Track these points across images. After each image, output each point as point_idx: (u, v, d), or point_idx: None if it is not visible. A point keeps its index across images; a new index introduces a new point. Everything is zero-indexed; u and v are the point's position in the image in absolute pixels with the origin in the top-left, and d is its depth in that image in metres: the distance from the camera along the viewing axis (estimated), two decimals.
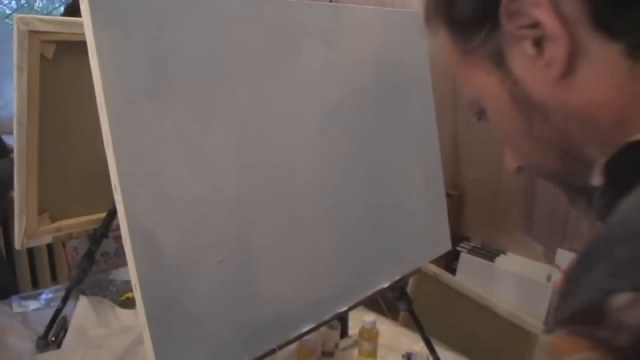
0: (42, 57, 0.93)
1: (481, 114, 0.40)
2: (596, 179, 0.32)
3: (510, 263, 1.81)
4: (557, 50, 0.32)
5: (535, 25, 0.32)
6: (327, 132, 0.81)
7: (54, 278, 1.91)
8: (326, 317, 0.81)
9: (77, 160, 1.03)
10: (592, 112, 0.32)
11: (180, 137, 0.64)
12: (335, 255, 0.83)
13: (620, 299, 0.22)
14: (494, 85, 0.36)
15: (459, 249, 1.89)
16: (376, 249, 0.89)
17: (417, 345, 1.13)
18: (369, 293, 0.87)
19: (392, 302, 1.08)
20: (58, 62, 0.96)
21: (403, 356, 1.10)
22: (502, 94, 0.36)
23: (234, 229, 0.69)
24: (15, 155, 0.94)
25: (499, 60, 0.35)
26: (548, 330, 0.25)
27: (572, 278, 0.27)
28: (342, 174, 0.83)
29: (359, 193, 0.86)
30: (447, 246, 1.05)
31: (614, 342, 0.22)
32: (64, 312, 1.09)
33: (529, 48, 0.33)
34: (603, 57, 0.31)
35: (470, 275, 1.79)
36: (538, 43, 0.33)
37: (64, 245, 1.55)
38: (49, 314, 1.09)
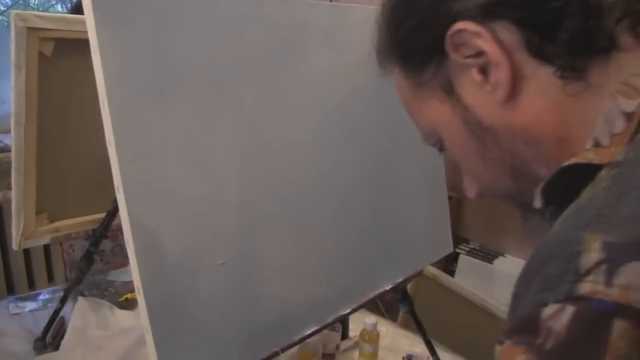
0: (41, 55, 0.92)
1: (440, 143, 0.43)
2: (537, 202, 0.36)
3: (509, 265, 1.81)
4: (500, 75, 0.35)
5: (478, 54, 0.36)
6: (330, 133, 0.80)
7: (51, 278, 1.89)
8: (329, 320, 0.80)
9: (76, 160, 1.02)
10: (535, 130, 0.36)
11: (183, 137, 0.63)
12: (339, 257, 0.82)
13: (549, 310, 0.26)
14: (447, 113, 0.39)
15: (458, 250, 1.90)
16: (379, 251, 0.88)
17: (417, 347, 1.13)
18: (371, 295, 0.86)
19: (391, 303, 1.07)
20: (57, 61, 0.95)
21: (403, 358, 1.10)
22: (455, 121, 0.39)
23: (237, 231, 0.68)
24: (13, 155, 0.93)
25: (450, 90, 0.39)
26: (499, 341, 0.28)
27: (516, 294, 0.30)
28: (346, 176, 0.83)
29: (362, 195, 0.85)
30: (449, 248, 1.04)
31: (544, 346, 0.26)
32: (62, 313, 1.08)
33: (475, 75, 0.37)
34: (540, 79, 0.35)
35: (469, 276, 1.79)
36: (483, 70, 0.36)
37: (60, 243, 1.54)
38: (46, 315, 1.08)
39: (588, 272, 0.26)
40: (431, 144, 0.44)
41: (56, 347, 1.04)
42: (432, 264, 1.46)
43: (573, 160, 0.33)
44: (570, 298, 0.26)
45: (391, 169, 0.91)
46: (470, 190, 0.45)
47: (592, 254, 0.26)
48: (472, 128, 0.38)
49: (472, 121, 0.38)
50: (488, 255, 1.87)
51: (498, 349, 0.28)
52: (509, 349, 0.27)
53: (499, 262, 1.84)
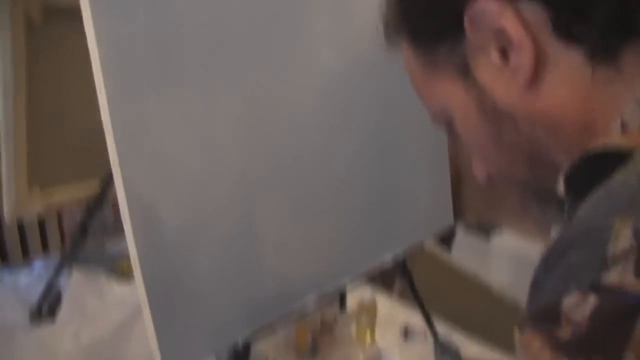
0: (30, 22, 0.89)
1: (449, 125, 0.40)
2: (560, 189, 0.34)
3: (506, 240, 1.82)
4: (523, 58, 0.32)
5: (499, 34, 0.33)
6: (332, 107, 0.78)
7: (45, 248, 1.88)
8: (328, 291, 0.80)
9: (69, 130, 0.99)
10: (557, 117, 0.33)
11: (181, 109, 0.61)
12: (339, 229, 0.81)
13: (571, 299, 0.25)
14: (461, 95, 0.37)
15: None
16: (379, 222, 0.88)
17: (414, 318, 1.14)
18: (371, 267, 0.86)
19: (387, 275, 1.07)
20: (47, 29, 0.91)
21: (401, 330, 1.11)
22: (469, 103, 0.36)
23: (236, 204, 0.67)
24: (2, 125, 0.90)
25: (465, 71, 0.36)
26: (520, 328, 0.27)
27: (536, 280, 0.29)
28: (347, 148, 0.81)
29: (363, 167, 0.84)
30: (449, 220, 1.04)
31: (563, 336, 0.25)
32: (57, 284, 1.07)
33: (494, 57, 0.34)
34: (566, 63, 0.32)
35: (466, 252, 1.80)
36: (503, 52, 0.33)
37: (58, 213, 1.52)
38: (41, 285, 1.07)
39: (616, 261, 0.24)
40: (440, 125, 0.41)
41: (52, 317, 1.04)
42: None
43: (599, 145, 0.31)
44: (594, 288, 0.24)
45: (393, 140, 0.89)
46: (480, 174, 0.42)
47: (622, 241, 0.24)
48: (487, 112, 0.35)
49: (488, 105, 0.35)
50: (485, 230, 1.87)
51: (518, 335, 0.27)
52: (531, 336, 0.26)
53: (495, 238, 1.84)
